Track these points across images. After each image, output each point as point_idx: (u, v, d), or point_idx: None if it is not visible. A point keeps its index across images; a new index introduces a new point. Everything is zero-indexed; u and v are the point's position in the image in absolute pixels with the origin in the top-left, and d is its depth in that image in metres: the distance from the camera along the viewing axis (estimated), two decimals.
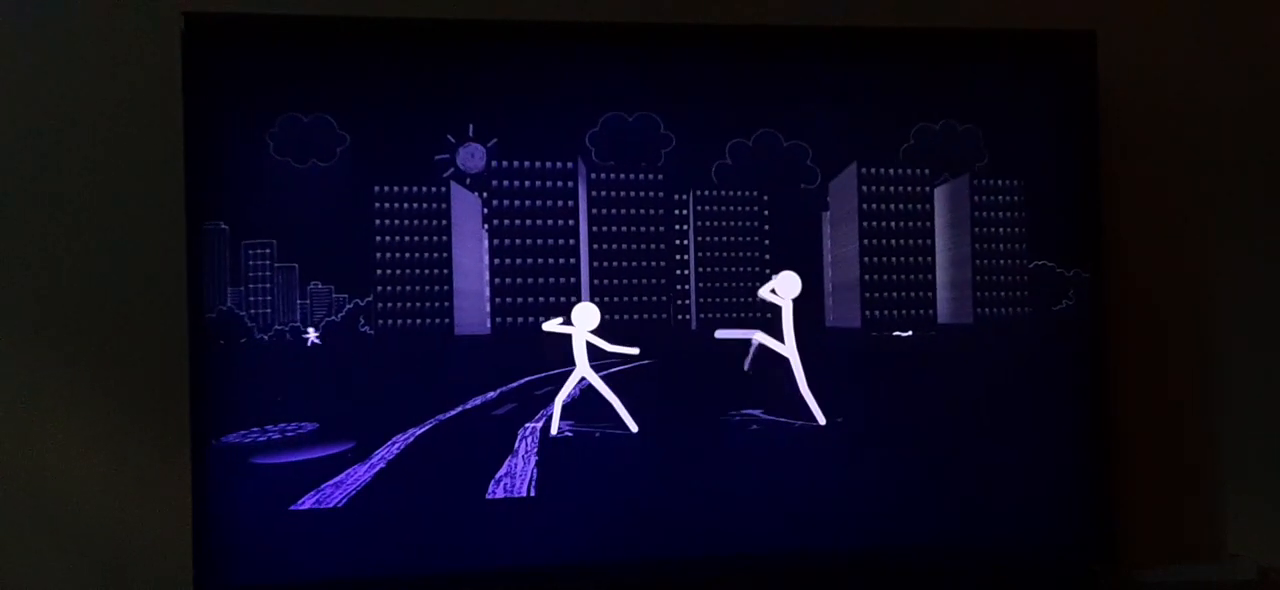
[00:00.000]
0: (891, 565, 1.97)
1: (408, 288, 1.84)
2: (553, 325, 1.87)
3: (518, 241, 1.87)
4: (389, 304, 1.83)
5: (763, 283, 1.92)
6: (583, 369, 1.88)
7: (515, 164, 1.87)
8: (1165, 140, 2.21)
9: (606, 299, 1.88)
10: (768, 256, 1.92)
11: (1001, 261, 1.98)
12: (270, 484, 1.79)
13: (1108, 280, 2.02)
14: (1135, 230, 2.16)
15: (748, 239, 1.92)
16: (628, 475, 1.88)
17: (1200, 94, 2.23)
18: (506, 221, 1.87)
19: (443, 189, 1.85)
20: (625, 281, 1.90)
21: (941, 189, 1.98)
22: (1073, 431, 2.00)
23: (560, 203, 1.88)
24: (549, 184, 1.88)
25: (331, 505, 1.81)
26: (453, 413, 1.84)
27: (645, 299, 1.89)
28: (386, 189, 1.84)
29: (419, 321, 1.84)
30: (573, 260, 1.88)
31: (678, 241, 1.91)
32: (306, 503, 1.80)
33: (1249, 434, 2.24)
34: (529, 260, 1.87)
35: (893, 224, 1.97)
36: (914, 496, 1.96)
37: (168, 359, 1.85)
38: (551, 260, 1.87)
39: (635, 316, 1.89)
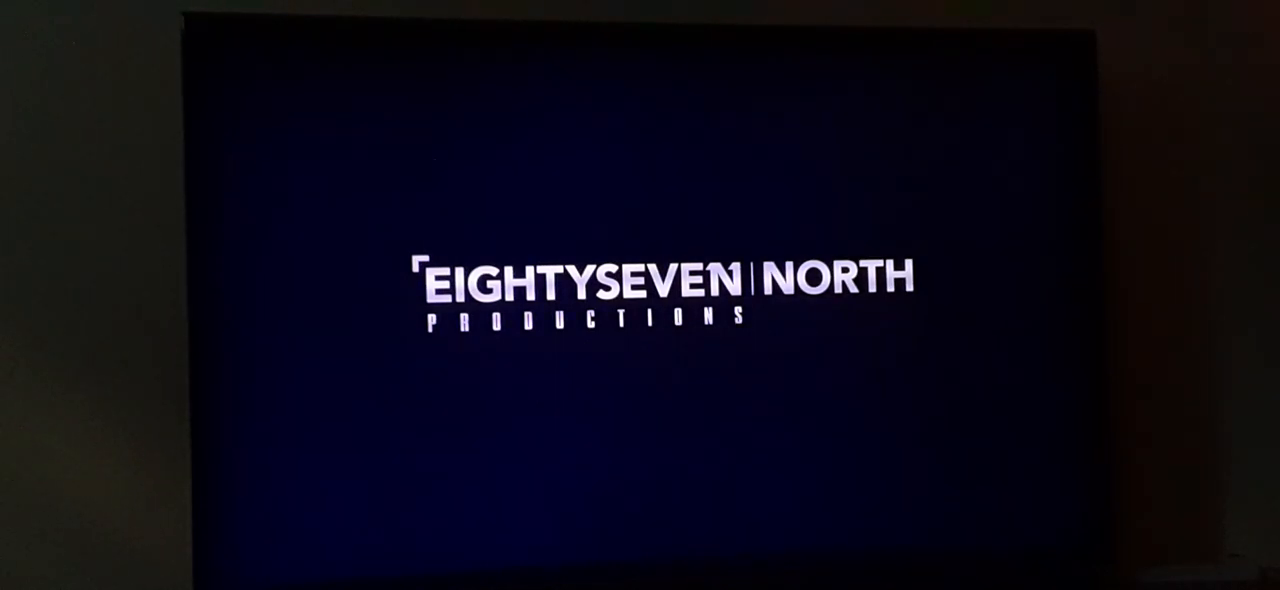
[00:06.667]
0: (888, 565, 1.96)
1: None
2: None
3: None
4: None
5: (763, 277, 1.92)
6: None
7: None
8: (1165, 140, 2.21)
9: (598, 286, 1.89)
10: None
11: (1000, 261, 1.98)
12: (271, 484, 1.79)
13: (1107, 279, 2.02)
14: (1135, 230, 2.16)
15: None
16: (624, 471, 1.88)
17: (1200, 94, 2.23)
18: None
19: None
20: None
21: (939, 190, 1.98)
22: (1072, 431, 2.00)
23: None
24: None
25: (332, 506, 1.81)
26: (454, 413, 1.84)
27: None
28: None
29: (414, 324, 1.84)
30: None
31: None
32: (307, 504, 1.80)
33: (1249, 434, 2.24)
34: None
35: (892, 224, 1.96)
36: (911, 496, 1.96)
37: (168, 360, 1.85)
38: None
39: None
